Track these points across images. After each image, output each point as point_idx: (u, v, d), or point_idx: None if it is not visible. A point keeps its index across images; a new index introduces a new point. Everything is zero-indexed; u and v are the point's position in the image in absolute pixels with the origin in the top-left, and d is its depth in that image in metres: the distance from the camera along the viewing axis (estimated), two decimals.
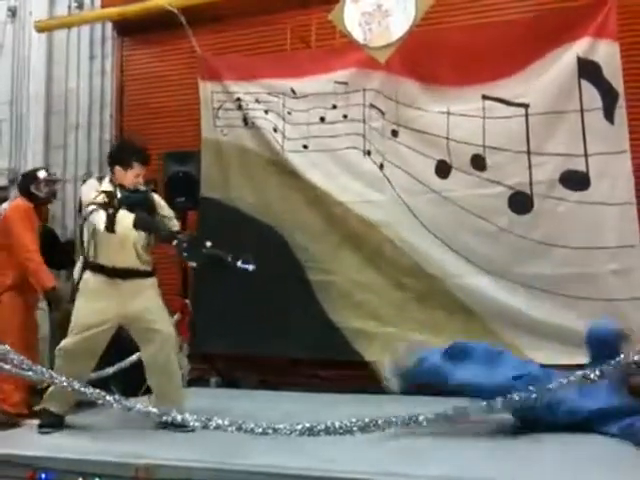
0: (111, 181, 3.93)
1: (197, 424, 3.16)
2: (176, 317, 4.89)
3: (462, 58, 4.81)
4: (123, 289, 3.88)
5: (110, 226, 3.71)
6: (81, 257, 4.00)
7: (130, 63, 6.36)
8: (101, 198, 3.79)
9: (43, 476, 3.22)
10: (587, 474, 2.87)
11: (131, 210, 3.79)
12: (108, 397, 3.42)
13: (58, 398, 3.85)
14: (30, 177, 4.96)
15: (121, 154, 3.99)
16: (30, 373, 3.54)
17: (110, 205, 3.76)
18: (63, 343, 3.91)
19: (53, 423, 3.87)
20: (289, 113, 5.31)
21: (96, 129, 6.40)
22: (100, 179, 4.01)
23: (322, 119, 5.22)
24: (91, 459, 3.27)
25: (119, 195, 3.85)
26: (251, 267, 3.71)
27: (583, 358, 4.01)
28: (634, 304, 4.36)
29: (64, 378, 3.49)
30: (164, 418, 3.25)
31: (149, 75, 6.22)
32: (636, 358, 2.80)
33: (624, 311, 4.37)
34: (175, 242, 3.71)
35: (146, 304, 3.93)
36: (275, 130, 5.33)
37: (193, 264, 3.84)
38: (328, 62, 5.23)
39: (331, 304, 5.11)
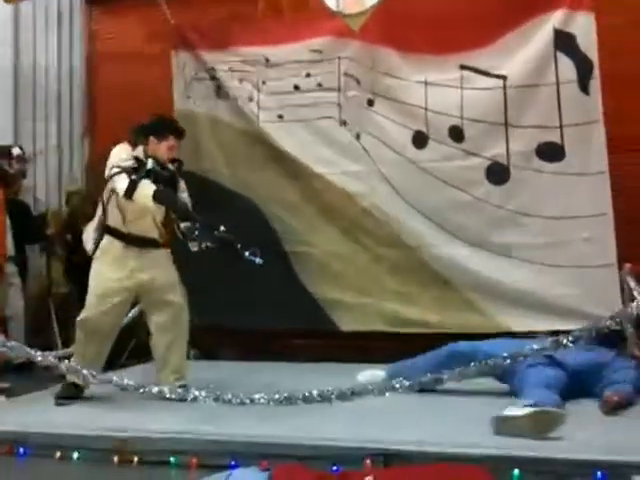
0: (144, 151, 3.91)
1: (174, 396, 3.17)
2: None
3: (439, 26, 4.78)
4: (140, 258, 3.90)
5: (129, 193, 3.69)
6: (96, 221, 3.97)
7: (100, 32, 6.23)
8: (130, 163, 3.77)
9: (21, 450, 3.21)
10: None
11: (156, 183, 3.77)
12: (84, 371, 3.42)
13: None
14: (3, 152, 4.86)
15: (156, 125, 3.98)
16: (4, 349, 3.52)
17: (136, 172, 3.74)
18: (84, 314, 3.87)
19: (71, 394, 3.85)
20: (263, 82, 5.23)
21: (66, 100, 6.29)
22: (132, 145, 3.93)
23: (296, 88, 5.16)
24: (69, 433, 3.26)
25: (149, 166, 3.82)
26: (258, 260, 3.73)
27: (558, 324, 4.10)
28: (604, 271, 4.43)
29: (39, 353, 3.48)
30: (141, 390, 3.24)
31: (120, 44, 6.09)
32: (607, 323, 2.84)
33: (594, 277, 4.45)
34: (189, 221, 3.72)
35: (162, 275, 3.97)
36: (250, 100, 5.26)
37: (195, 248, 3.81)
38: (302, 30, 5.15)
39: (308, 275, 5.12)
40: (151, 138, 3.92)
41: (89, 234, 4.01)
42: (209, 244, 3.73)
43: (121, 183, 3.73)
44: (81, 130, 6.26)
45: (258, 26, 5.42)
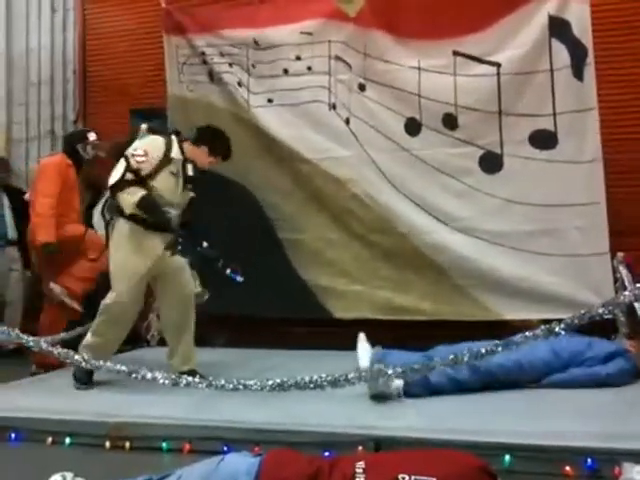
0: (182, 150, 3.96)
1: (167, 382, 3.17)
2: None
3: (433, 11, 4.75)
4: (159, 241, 3.89)
5: (115, 190, 3.81)
6: (103, 208, 4.01)
7: (93, 17, 6.18)
8: (135, 166, 3.78)
9: (13, 436, 3.21)
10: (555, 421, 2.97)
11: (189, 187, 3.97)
12: (77, 356, 3.42)
13: (98, 354, 3.73)
14: (79, 136, 4.85)
15: (217, 141, 4.07)
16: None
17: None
18: (114, 300, 3.86)
19: (87, 379, 3.89)
20: (253, 66, 5.18)
21: (59, 85, 6.24)
22: (167, 139, 3.96)
23: (285, 71, 5.11)
24: (62, 418, 3.28)
25: (190, 171, 3.96)
26: (239, 278, 3.81)
27: (550, 313, 4.10)
28: (595, 259, 4.43)
29: (32, 338, 3.48)
30: (133, 376, 3.24)
31: (113, 29, 6.05)
32: (600, 311, 2.84)
33: (586, 266, 4.45)
34: (172, 234, 3.79)
35: (176, 260, 3.96)
36: (240, 84, 5.21)
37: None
38: (292, 12, 5.09)
39: (301, 262, 5.11)
40: (203, 147, 4.00)
41: (99, 220, 4.05)
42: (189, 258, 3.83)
43: (115, 176, 3.80)
44: (74, 116, 6.22)
45: (248, 8, 5.37)
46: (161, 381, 3.19)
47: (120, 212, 3.88)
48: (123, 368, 3.30)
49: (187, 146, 4.01)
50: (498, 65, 4.64)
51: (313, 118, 5.05)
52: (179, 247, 3.78)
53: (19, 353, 4.80)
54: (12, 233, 5.45)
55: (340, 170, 4.99)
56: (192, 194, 4.05)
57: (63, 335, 4.36)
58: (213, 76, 5.32)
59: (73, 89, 6.22)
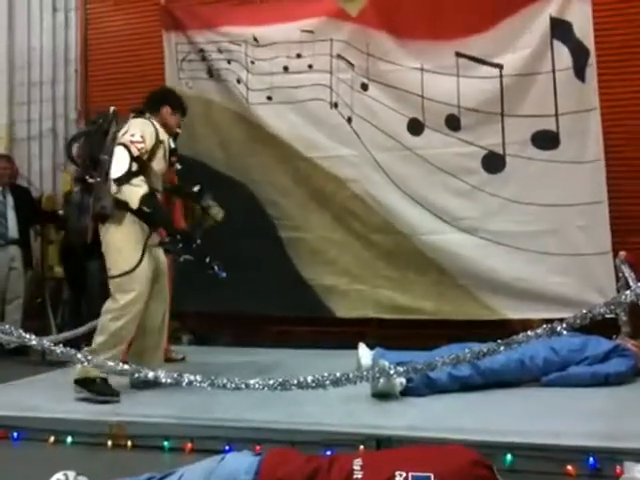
0: (163, 125, 3.86)
1: (169, 380, 3.16)
2: None
3: (435, 12, 4.76)
4: (152, 238, 3.77)
5: (121, 182, 3.58)
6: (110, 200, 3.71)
7: (94, 16, 6.18)
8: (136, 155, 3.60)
9: (15, 435, 3.21)
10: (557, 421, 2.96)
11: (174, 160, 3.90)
12: (79, 355, 3.41)
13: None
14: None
15: (173, 98, 4.02)
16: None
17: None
18: (135, 298, 3.61)
19: (109, 389, 3.60)
20: (252, 63, 5.17)
21: (61, 84, 6.25)
22: (149, 120, 3.78)
23: (285, 69, 5.10)
24: (64, 417, 3.27)
25: (172, 144, 3.88)
26: (224, 274, 3.77)
27: (553, 312, 4.10)
28: (598, 259, 4.44)
29: (34, 337, 3.46)
30: (136, 375, 3.24)
31: (114, 29, 6.06)
32: (602, 310, 2.83)
33: (589, 265, 4.46)
34: (172, 236, 3.70)
35: (163, 258, 3.89)
36: (239, 81, 5.20)
37: (181, 258, 3.77)
38: (294, 10, 5.09)
39: (302, 261, 5.12)
40: (167, 108, 3.91)
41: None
42: (188, 257, 3.72)
43: (121, 168, 3.57)
44: (75, 115, 6.23)
45: (248, 6, 5.38)
46: (163, 380, 3.18)
47: (124, 206, 3.61)
48: (125, 367, 3.29)
49: (170, 117, 3.91)
50: (500, 67, 4.64)
51: (314, 116, 5.05)
52: (180, 245, 3.66)
53: (20, 352, 4.81)
54: (14, 232, 5.45)
55: (342, 169, 4.99)
56: (179, 166, 4.00)
57: (65, 334, 4.36)
58: (212, 73, 5.31)
59: (75, 88, 6.22)
